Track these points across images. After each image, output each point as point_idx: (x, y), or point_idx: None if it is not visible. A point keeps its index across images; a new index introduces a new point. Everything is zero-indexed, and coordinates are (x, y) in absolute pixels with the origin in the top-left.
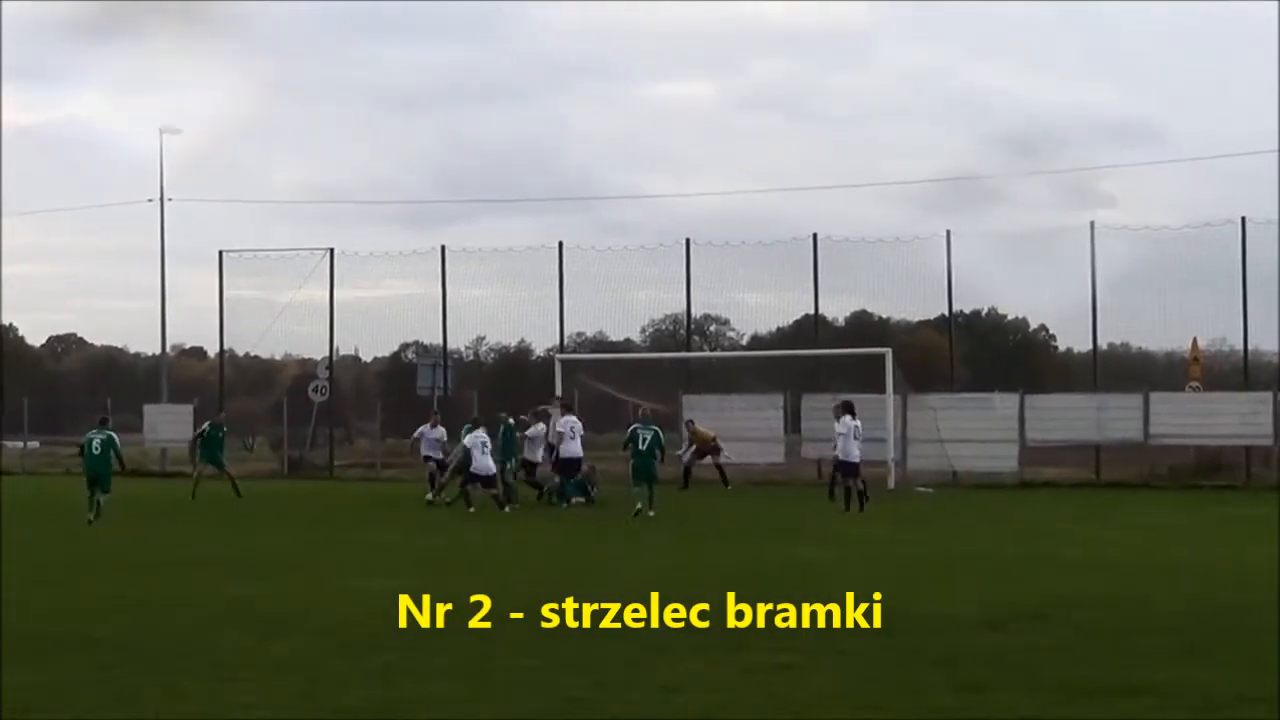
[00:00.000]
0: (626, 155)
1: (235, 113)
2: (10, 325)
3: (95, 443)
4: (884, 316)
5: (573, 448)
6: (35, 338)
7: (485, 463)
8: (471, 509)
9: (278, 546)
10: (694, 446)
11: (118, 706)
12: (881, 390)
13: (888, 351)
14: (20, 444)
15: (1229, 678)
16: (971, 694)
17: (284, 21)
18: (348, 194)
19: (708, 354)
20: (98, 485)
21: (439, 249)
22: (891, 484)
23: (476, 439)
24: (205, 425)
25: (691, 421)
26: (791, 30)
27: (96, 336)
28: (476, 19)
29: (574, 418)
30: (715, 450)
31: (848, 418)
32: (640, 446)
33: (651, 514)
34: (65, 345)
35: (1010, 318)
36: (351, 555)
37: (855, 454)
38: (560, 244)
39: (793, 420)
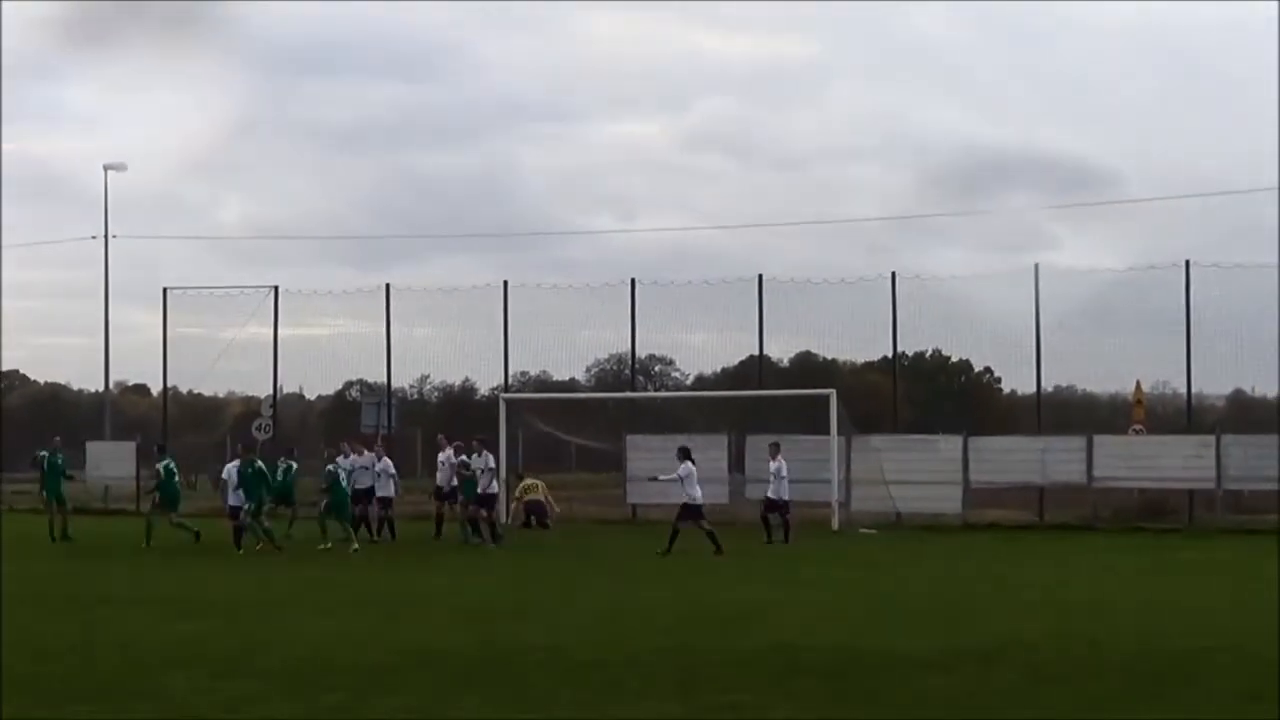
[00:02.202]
0: (574, 194)
1: (180, 149)
2: None
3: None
4: (829, 357)
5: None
6: None
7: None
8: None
9: (220, 585)
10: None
11: None
12: (826, 431)
13: (832, 392)
14: None
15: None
16: None
17: (231, 58)
18: (294, 231)
19: (652, 394)
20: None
21: (384, 287)
22: (835, 525)
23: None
24: (42, 453)
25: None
26: (739, 69)
27: (39, 373)
28: (425, 57)
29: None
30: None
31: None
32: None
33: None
34: (8, 382)
35: (954, 359)
36: (296, 594)
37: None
38: (505, 283)
39: (736, 460)
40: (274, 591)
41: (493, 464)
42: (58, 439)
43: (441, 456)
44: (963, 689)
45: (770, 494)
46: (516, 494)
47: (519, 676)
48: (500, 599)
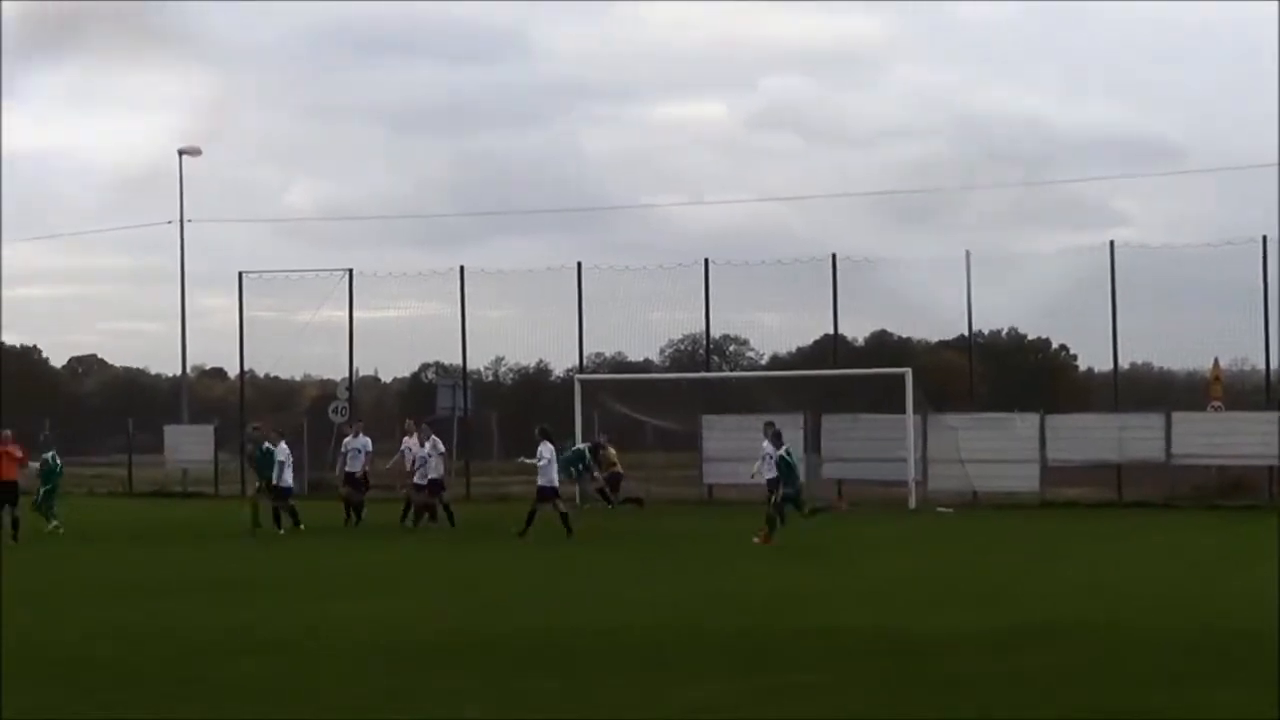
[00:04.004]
0: (641, 175)
1: (253, 134)
2: (33, 346)
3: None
4: (904, 336)
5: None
6: (57, 359)
7: None
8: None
9: (293, 568)
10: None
11: None
12: (902, 410)
13: (908, 371)
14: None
15: (1246, 701)
16: (987, 713)
17: (300, 41)
18: (365, 214)
19: (727, 374)
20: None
21: (458, 269)
22: (912, 504)
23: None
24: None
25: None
26: (804, 48)
27: (117, 358)
28: (492, 38)
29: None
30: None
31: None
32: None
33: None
34: (86, 366)
35: (1030, 337)
36: (368, 575)
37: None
38: (579, 264)
39: (813, 440)
40: (322, 574)
41: (442, 449)
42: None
43: (408, 442)
44: (1027, 667)
45: (769, 475)
46: (603, 468)
47: (579, 658)
48: (563, 581)
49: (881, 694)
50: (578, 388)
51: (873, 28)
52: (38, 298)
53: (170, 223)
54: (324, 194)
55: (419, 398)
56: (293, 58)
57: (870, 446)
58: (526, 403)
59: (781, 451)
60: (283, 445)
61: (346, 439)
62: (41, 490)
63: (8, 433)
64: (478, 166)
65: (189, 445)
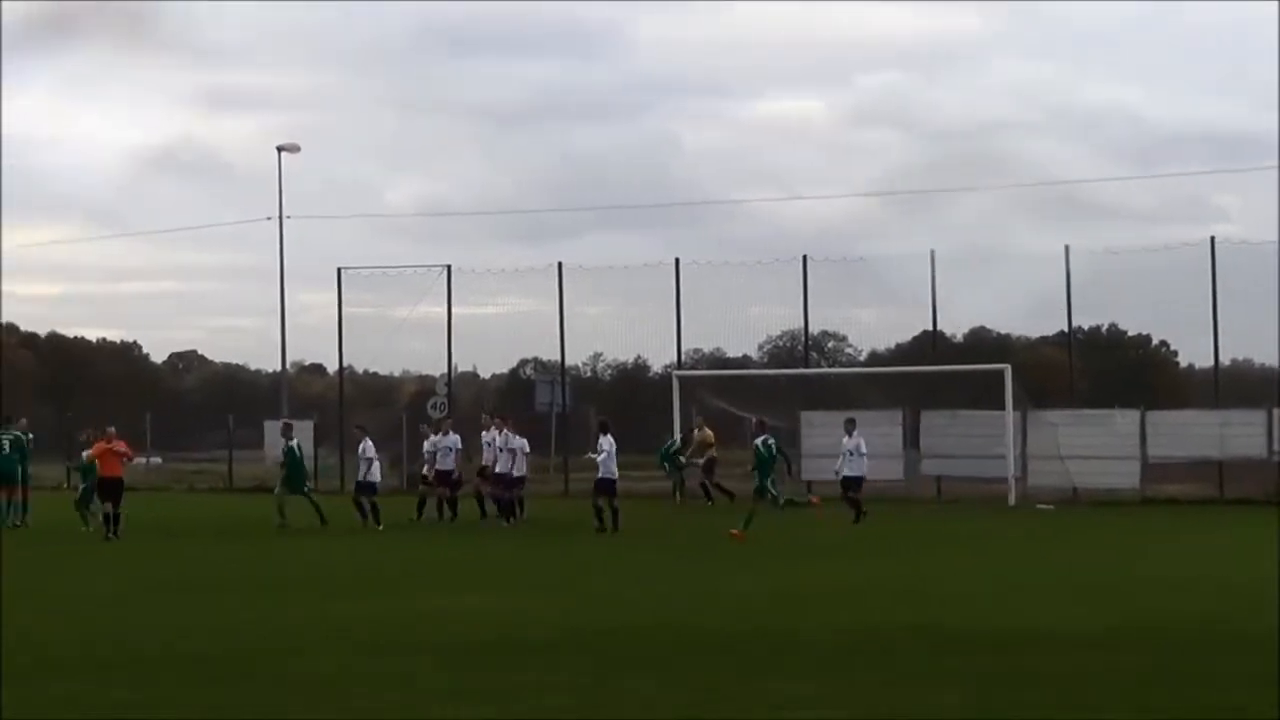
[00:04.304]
0: (738, 170)
1: (350, 129)
2: (133, 342)
3: (5, 443)
4: (1003, 332)
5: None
6: (157, 355)
7: None
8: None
9: (391, 562)
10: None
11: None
12: (1001, 406)
13: (1007, 367)
14: (144, 460)
15: None
16: (1081, 713)
17: (401, 39)
18: (463, 210)
19: (825, 370)
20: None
21: (556, 265)
22: (1012, 501)
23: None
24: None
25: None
26: (901, 43)
27: (217, 354)
28: (589, 34)
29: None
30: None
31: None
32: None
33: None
34: (186, 362)
35: (1130, 333)
36: (468, 570)
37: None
38: (677, 260)
39: (911, 437)
40: (418, 569)
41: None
42: (23, 420)
43: (486, 437)
44: (1123, 665)
45: (849, 472)
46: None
47: (673, 654)
48: (659, 577)
49: (976, 691)
50: (676, 384)
51: (970, 22)
52: (137, 294)
53: (269, 219)
54: (423, 190)
55: (517, 393)
56: (393, 55)
57: (969, 443)
58: (625, 399)
59: (758, 443)
60: (368, 442)
61: (434, 437)
62: (83, 486)
63: (112, 429)
64: (576, 162)
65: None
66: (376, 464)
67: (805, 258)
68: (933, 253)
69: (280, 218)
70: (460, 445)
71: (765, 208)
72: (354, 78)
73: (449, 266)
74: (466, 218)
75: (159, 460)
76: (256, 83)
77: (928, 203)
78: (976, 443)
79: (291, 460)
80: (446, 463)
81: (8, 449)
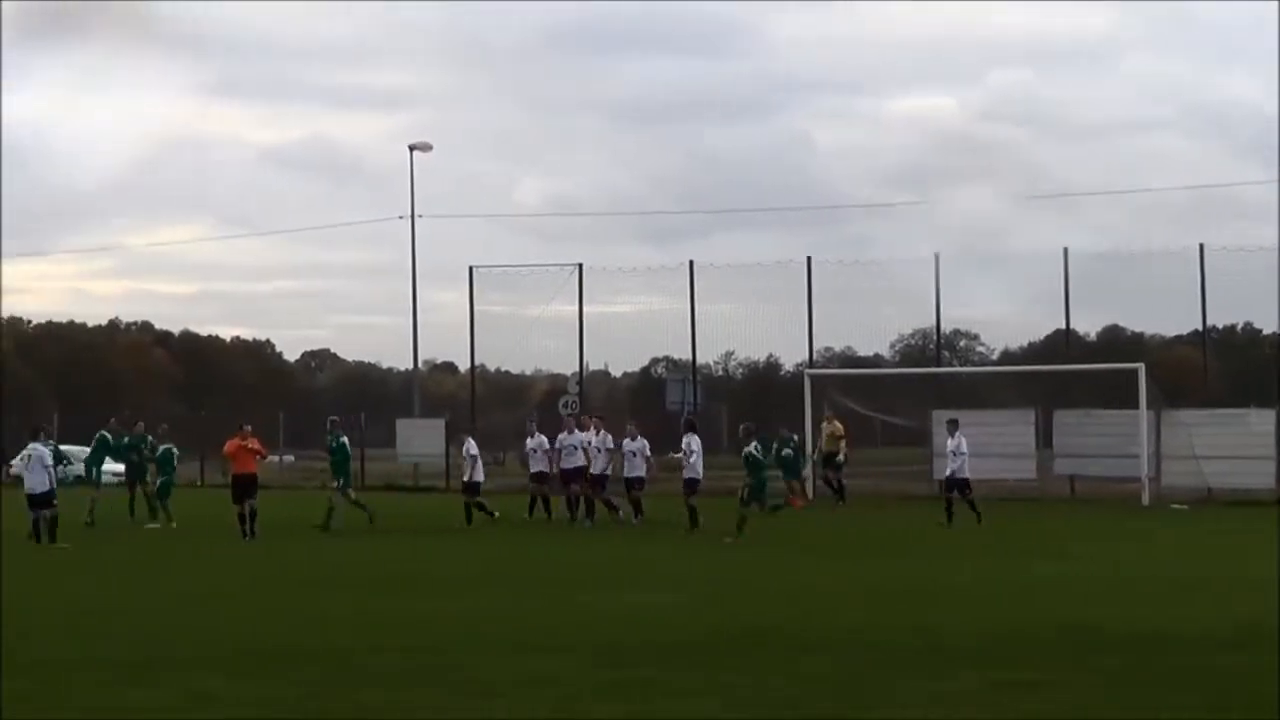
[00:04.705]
0: (868, 169)
1: (480, 129)
2: (266, 340)
3: (31, 459)
4: (1137, 331)
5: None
6: (290, 353)
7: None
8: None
9: (525, 560)
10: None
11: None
12: (1134, 406)
13: (1140, 366)
14: (277, 458)
15: None
16: (1227, 714)
17: (531, 38)
18: (592, 208)
19: (957, 369)
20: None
21: (687, 264)
22: (1145, 500)
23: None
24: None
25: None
26: (1031, 41)
27: (349, 352)
28: (720, 34)
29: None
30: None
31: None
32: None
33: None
34: (319, 360)
35: (1266, 332)
36: (606, 570)
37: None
38: (809, 259)
39: (1044, 436)
40: (551, 567)
41: (611, 444)
42: (140, 424)
43: (571, 439)
44: (1263, 666)
45: (950, 472)
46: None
47: (819, 654)
48: (788, 577)
49: (1112, 690)
50: (807, 382)
51: (1101, 19)
52: (270, 292)
53: (401, 218)
54: (553, 189)
55: (649, 392)
56: (525, 54)
57: (1102, 442)
58: (756, 397)
59: (749, 448)
60: (471, 442)
61: (561, 435)
62: (159, 481)
63: (248, 427)
64: (707, 161)
65: (420, 439)
66: (480, 463)
67: (937, 255)
68: (1066, 250)
69: (412, 216)
70: (611, 444)
71: (898, 206)
72: (485, 77)
73: (580, 265)
74: (598, 216)
75: (291, 458)
76: (388, 82)
77: (1063, 202)
78: (1110, 442)
79: (338, 455)
80: (573, 460)
81: (49, 460)
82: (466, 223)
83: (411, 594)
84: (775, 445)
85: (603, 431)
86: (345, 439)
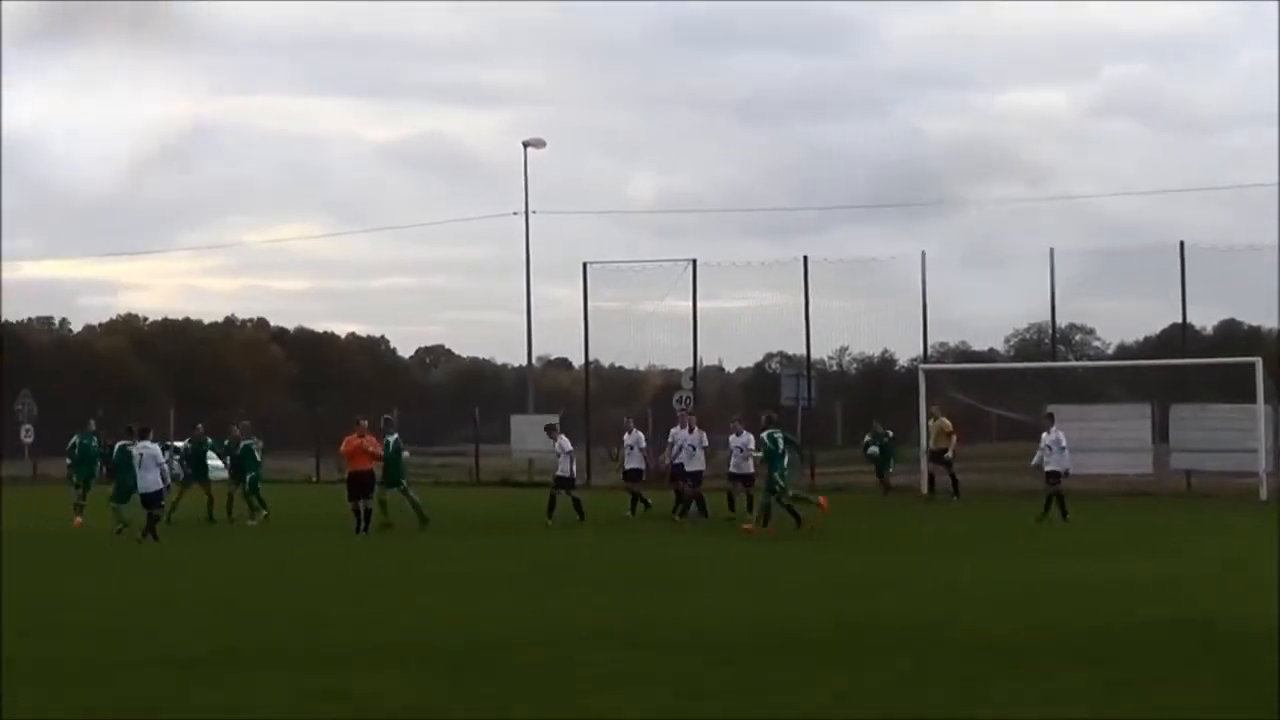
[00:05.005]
0: (981, 164)
1: (594, 125)
2: (380, 337)
3: (142, 456)
4: (1254, 325)
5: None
6: (405, 349)
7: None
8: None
9: (626, 557)
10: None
11: (471, 715)
12: (1251, 400)
13: (1258, 361)
14: None
15: None
16: None
17: (645, 34)
18: (704, 204)
19: (1073, 363)
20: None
21: (801, 259)
22: (1263, 495)
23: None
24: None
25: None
26: (1145, 35)
27: (464, 348)
28: (832, 29)
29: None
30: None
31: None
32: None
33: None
34: (434, 357)
35: None
36: (717, 566)
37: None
38: (923, 253)
39: (1160, 430)
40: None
41: (706, 442)
42: (92, 421)
43: (629, 439)
44: None
45: (1051, 466)
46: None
47: (912, 649)
48: (895, 572)
49: (1224, 689)
50: (922, 377)
51: (1217, 12)
52: (383, 288)
53: (515, 214)
54: (666, 185)
55: (763, 388)
56: (638, 51)
57: (1219, 437)
58: (870, 392)
59: (763, 436)
60: (563, 438)
61: (674, 431)
62: (248, 477)
63: (364, 422)
64: (820, 156)
65: (534, 435)
66: (572, 458)
67: (1052, 250)
68: (1182, 244)
69: (526, 212)
70: (706, 441)
71: (1011, 200)
72: (599, 73)
73: (694, 261)
74: (711, 212)
75: (406, 454)
76: (503, 79)
77: (1176, 195)
78: (1227, 437)
79: (388, 454)
80: (690, 459)
81: (141, 462)
82: (580, 219)
83: (516, 590)
84: (868, 439)
85: (697, 429)
86: (397, 437)
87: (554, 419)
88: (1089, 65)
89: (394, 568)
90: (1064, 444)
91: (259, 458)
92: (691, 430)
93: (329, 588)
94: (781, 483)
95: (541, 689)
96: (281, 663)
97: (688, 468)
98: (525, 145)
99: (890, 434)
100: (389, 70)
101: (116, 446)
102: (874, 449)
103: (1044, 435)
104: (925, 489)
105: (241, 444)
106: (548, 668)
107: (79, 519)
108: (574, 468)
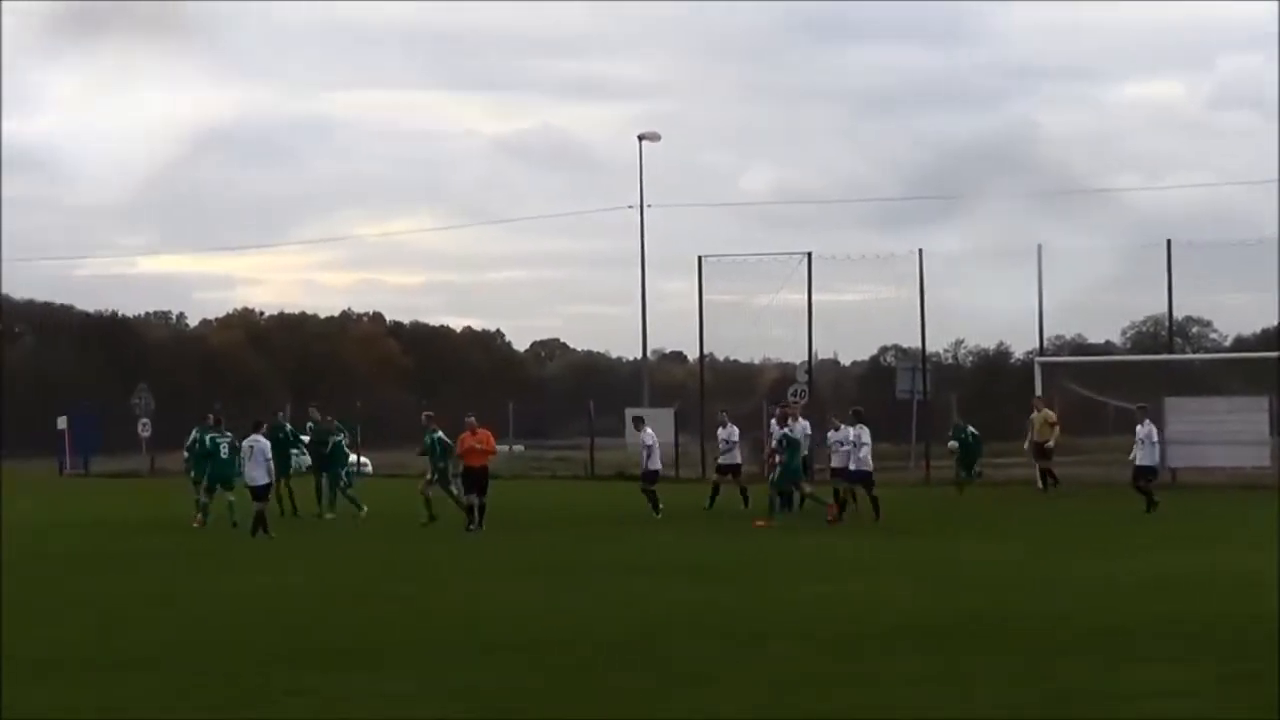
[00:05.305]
0: (1098, 156)
1: (708, 118)
2: (496, 330)
3: (224, 446)
4: None
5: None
6: (520, 343)
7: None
8: None
9: (728, 551)
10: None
11: (597, 708)
12: None
13: None
14: (507, 448)
15: None
16: None
17: (751, 24)
18: (822, 197)
19: (1190, 356)
20: (228, 487)
21: (916, 252)
22: None
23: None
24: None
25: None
26: (1262, 26)
27: (578, 341)
28: (948, 21)
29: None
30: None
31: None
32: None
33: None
34: (548, 350)
35: None
36: (828, 558)
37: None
38: (1039, 246)
39: (1278, 424)
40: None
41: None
42: (210, 416)
43: (723, 433)
44: None
45: (1142, 461)
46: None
47: (1032, 640)
48: (1009, 563)
49: None
50: (1038, 370)
51: None
52: (498, 282)
53: (630, 207)
54: (781, 177)
55: (878, 381)
56: (752, 44)
57: None
58: (986, 385)
59: (784, 431)
60: (648, 430)
61: (773, 426)
62: (345, 474)
63: (472, 419)
64: (935, 148)
65: (649, 428)
66: (656, 452)
67: (1169, 242)
68: None
69: (641, 206)
70: (809, 432)
71: (1128, 192)
72: (712, 66)
73: (809, 254)
74: (826, 204)
75: (521, 448)
76: (617, 72)
77: None
78: None
79: (433, 452)
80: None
81: (225, 453)
82: (694, 212)
83: (617, 582)
84: (952, 434)
85: (792, 423)
86: (439, 434)
87: (655, 412)
88: (1204, 56)
89: (505, 562)
90: (1155, 439)
91: (346, 451)
92: (788, 424)
93: (436, 581)
94: (790, 479)
95: (630, 678)
96: (393, 659)
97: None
98: (640, 138)
99: (974, 430)
100: (504, 64)
101: (205, 437)
102: (953, 443)
103: (1138, 429)
104: (1039, 483)
105: (331, 439)
106: (641, 659)
107: (201, 517)
108: (658, 461)
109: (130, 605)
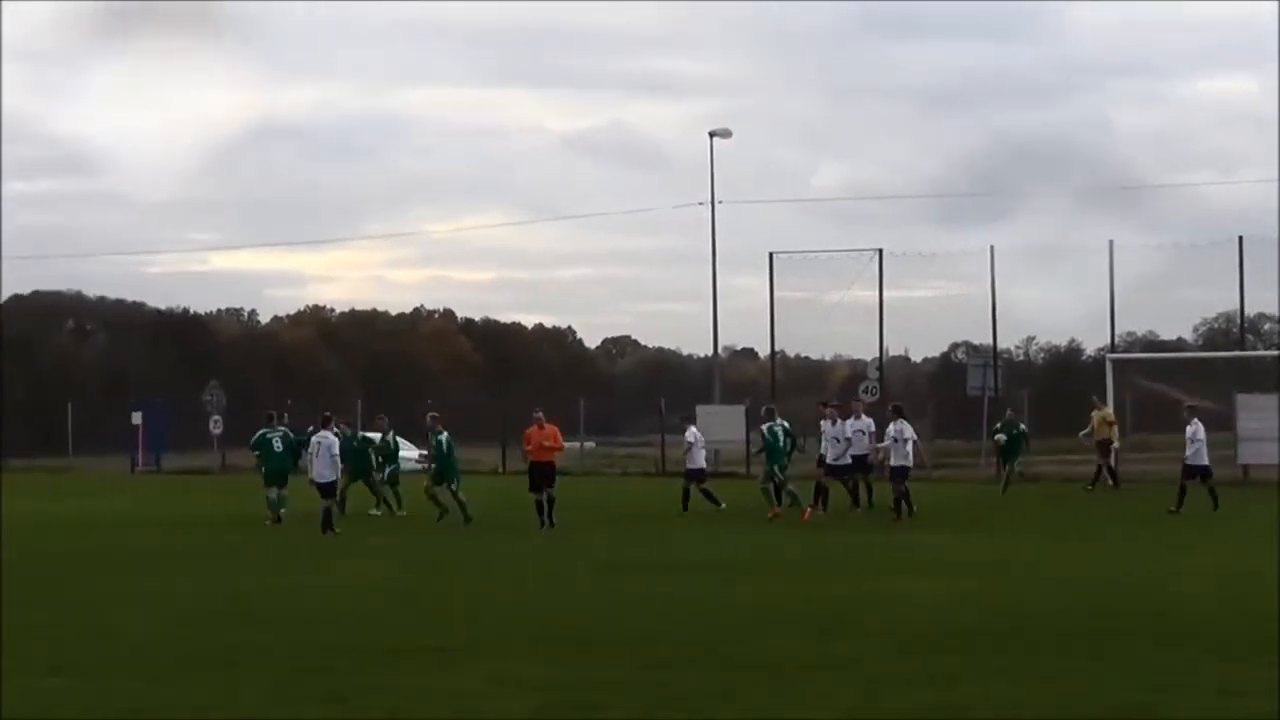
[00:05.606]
0: (1169, 151)
1: (779, 115)
2: (567, 328)
3: (275, 441)
4: None
5: None
6: (591, 340)
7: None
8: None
9: (792, 547)
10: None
11: (668, 706)
12: None
13: None
14: (578, 445)
15: None
16: None
17: (822, 22)
18: (893, 193)
19: (1263, 353)
20: (279, 483)
21: (988, 248)
22: None
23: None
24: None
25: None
26: None
27: (649, 338)
28: (1017, 16)
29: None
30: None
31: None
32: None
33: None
34: (619, 347)
35: None
36: (898, 555)
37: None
38: (1110, 242)
39: None
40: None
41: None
42: (272, 413)
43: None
44: None
45: (1191, 461)
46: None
47: (1107, 637)
48: (1085, 563)
49: None
50: (1109, 366)
51: None
52: (569, 279)
53: (701, 204)
54: (852, 174)
55: (949, 378)
56: (822, 40)
57: None
58: (1057, 382)
59: (764, 428)
60: (692, 428)
61: (849, 421)
62: (388, 470)
63: (539, 415)
64: (1006, 144)
65: (720, 426)
66: (701, 449)
67: (1241, 239)
68: None
69: (712, 202)
70: (873, 429)
71: (1200, 189)
72: (784, 63)
73: (880, 250)
74: (897, 201)
75: (592, 444)
76: (688, 69)
77: None
78: None
79: (439, 453)
80: (860, 446)
81: (279, 447)
82: (765, 208)
83: (694, 578)
84: (999, 428)
85: (838, 421)
86: (447, 435)
87: (730, 409)
88: (1275, 51)
89: (575, 558)
90: (1201, 437)
91: (398, 453)
92: (833, 422)
93: (508, 578)
94: (780, 475)
95: (718, 675)
96: (465, 657)
97: (833, 459)
98: (711, 135)
99: (1022, 426)
100: (574, 61)
101: (258, 433)
102: (1000, 437)
103: (1188, 428)
104: (1110, 481)
105: (382, 438)
106: (724, 656)
107: (272, 515)
108: (701, 459)
109: (207, 603)
